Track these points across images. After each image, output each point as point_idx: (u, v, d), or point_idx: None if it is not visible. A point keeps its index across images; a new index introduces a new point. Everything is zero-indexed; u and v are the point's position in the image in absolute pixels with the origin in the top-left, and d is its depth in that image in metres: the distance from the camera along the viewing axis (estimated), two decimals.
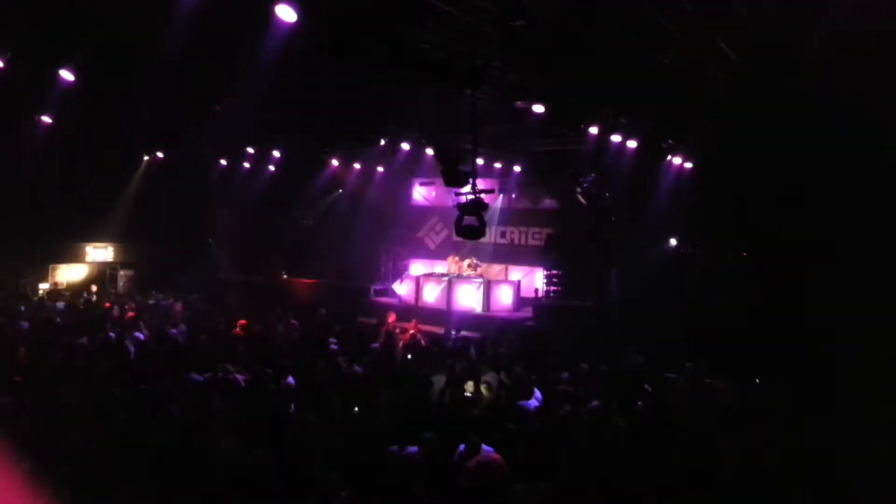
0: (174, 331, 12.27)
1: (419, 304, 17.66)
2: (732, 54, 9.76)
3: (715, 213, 14.39)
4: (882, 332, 10.90)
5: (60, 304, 15.52)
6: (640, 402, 8.72)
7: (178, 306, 15.43)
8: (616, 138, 13.71)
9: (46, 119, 14.68)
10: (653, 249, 15.97)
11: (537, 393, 8.83)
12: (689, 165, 15.39)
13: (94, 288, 18.40)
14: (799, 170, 12.40)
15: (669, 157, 15.13)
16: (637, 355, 11.55)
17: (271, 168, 20.26)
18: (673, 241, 16.21)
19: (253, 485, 6.07)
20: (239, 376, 8.96)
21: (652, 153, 14.66)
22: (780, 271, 13.27)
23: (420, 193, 21.77)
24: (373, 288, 19.15)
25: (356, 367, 9.80)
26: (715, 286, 14.07)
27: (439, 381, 9.44)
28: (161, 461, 6.38)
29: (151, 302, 16.43)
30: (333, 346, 11.34)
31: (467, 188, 11.19)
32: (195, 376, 8.82)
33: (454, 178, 10.92)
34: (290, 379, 8.82)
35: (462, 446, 6.85)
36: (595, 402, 8.22)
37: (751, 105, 11.14)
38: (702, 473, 6.62)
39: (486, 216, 11.43)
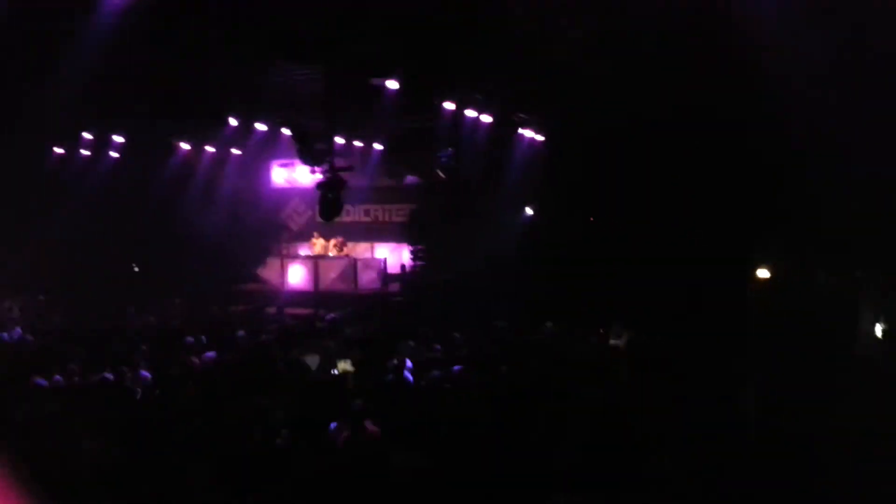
0: (5, 335, 11.28)
1: (285, 287, 17.34)
2: (576, 31, 10.31)
3: (564, 183, 15.20)
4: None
5: None
6: (503, 366, 9.20)
7: (12, 307, 14.15)
8: (471, 113, 14.08)
9: None
10: (510, 219, 16.62)
11: (409, 363, 9.05)
12: (540, 138, 16.11)
13: None
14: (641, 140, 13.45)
15: (521, 130, 15.75)
16: (500, 321, 12.13)
17: (113, 154, 18.86)
18: (529, 211, 16.95)
19: (116, 485, 5.80)
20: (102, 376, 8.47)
21: (505, 127, 15.21)
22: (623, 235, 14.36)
23: (281, 176, 21.19)
24: (237, 274, 18.51)
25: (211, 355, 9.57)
26: (566, 250, 14.92)
27: (313, 360, 9.43)
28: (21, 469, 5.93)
29: None
30: (190, 339, 10.90)
31: (325, 167, 11.10)
32: (39, 381, 8.21)
33: (311, 156, 10.78)
34: (145, 373, 8.45)
35: (334, 424, 6.91)
36: (457, 367, 8.57)
37: (595, 77, 11.85)
38: (562, 427, 7.11)
39: (348, 195, 11.44)
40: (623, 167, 13.94)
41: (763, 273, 13.31)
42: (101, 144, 18.24)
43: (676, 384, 8.19)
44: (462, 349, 10.27)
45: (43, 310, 14.54)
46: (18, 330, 11.71)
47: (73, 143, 18.26)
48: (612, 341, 11.22)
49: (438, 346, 10.54)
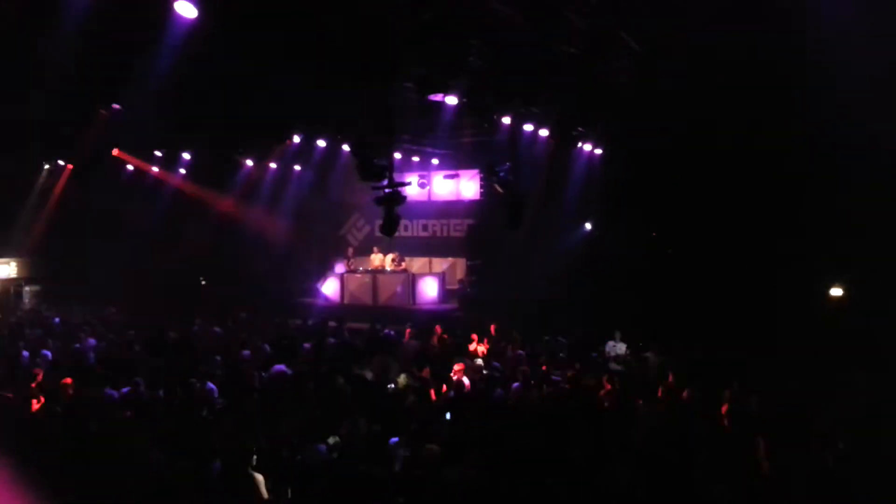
0: (77, 346, 11.76)
1: (344, 302, 17.56)
2: (634, 44, 10.17)
3: (624, 197, 14.95)
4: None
5: None
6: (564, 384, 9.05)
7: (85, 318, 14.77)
8: (528, 127, 14.02)
9: None
10: (569, 234, 16.43)
11: (466, 380, 9.02)
12: (598, 152, 15.91)
13: None
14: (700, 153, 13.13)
15: (580, 144, 15.59)
16: (560, 338, 11.97)
17: (182, 171, 19.60)
18: (588, 226, 16.72)
19: (180, 495, 5.95)
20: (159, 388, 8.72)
21: (563, 141, 15.08)
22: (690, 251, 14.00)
23: (342, 191, 21.54)
24: (298, 288, 18.88)
25: (282, 368, 9.70)
26: (628, 267, 14.64)
27: (370, 375, 9.52)
28: (84, 477, 6.16)
29: (56, 320, 15.49)
30: (246, 353, 11.12)
31: (384, 182, 11.20)
32: (109, 391, 8.51)
33: (370, 172, 10.89)
34: (211, 385, 8.65)
35: (394, 439, 6.92)
36: (516, 384, 8.48)
37: (653, 93, 11.66)
38: (622, 445, 6.92)
39: (404, 210, 11.52)
40: (686, 179, 13.63)
41: (836, 292, 12.77)
42: (171, 161, 18.99)
43: (744, 403, 7.87)
44: (521, 365, 10.16)
45: (114, 322, 15.10)
46: (92, 341, 12.16)
47: (146, 159, 19.08)
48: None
49: (497, 364, 10.47)
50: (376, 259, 18.20)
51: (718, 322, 11.91)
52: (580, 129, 14.90)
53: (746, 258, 12.95)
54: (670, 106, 11.87)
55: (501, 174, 14.12)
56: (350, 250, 19.41)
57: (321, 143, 16.66)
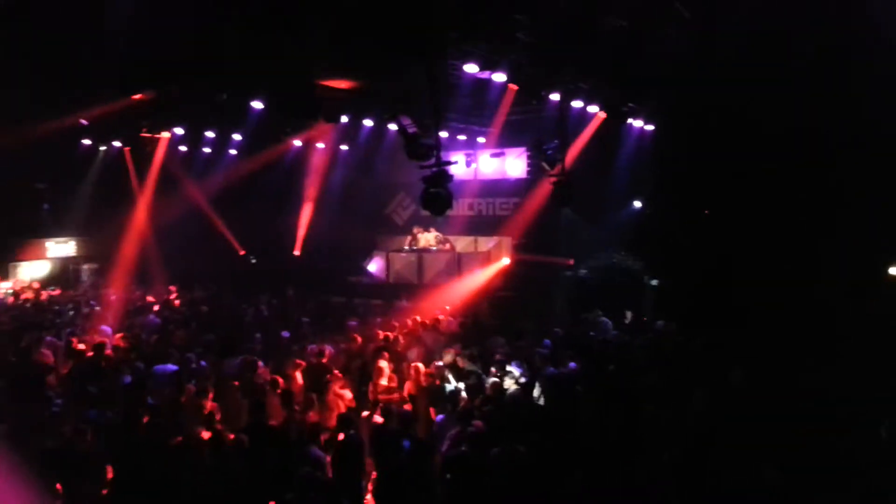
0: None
1: (391, 280, 17.70)
2: (686, 12, 9.84)
3: (676, 174, 14.58)
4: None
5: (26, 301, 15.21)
6: (611, 366, 8.93)
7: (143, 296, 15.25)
8: (577, 104, 13.76)
9: None
10: (618, 212, 16.16)
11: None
12: (650, 128, 15.53)
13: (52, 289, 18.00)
14: (756, 131, 12.66)
15: (631, 121, 15.24)
16: (602, 317, 11.84)
17: (232, 152, 19.94)
18: (637, 203, 16.40)
19: (233, 470, 6.11)
20: (203, 363, 8.95)
21: (613, 117, 14.77)
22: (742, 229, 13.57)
23: (388, 170, 21.61)
24: (344, 267, 19.09)
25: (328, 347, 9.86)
26: (679, 244, 14.30)
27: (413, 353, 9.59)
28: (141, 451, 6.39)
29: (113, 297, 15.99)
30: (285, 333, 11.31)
31: (431, 161, 11.15)
32: (169, 367, 8.77)
33: (417, 151, 10.87)
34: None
35: (440, 417, 6.97)
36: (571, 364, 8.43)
37: (708, 65, 11.29)
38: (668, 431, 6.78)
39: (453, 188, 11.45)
40: (739, 157, 13.19)
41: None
42: (223, 142, 19.31)
43: (796, 396, 7.53)
44: (568, 347, 10.06)
45: (170, 299, 15.54)
46: (152, 317, 12.55)
47: (197, 140, 19.44)
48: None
49: (548, 342, 10.38)
50: (422, 238, 18.25)
51: (769, 304, 11.52)
52: (631, 104, 14.55)
53: (801, 238, 12.47)
54: (724, 78, 11.47)
55: (549, 152, 13.93)
56: (394, 229, 19.50)
57: (368, 122, 16.71)
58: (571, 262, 16.31)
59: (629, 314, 12.35)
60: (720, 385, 8.03)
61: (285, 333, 11.25)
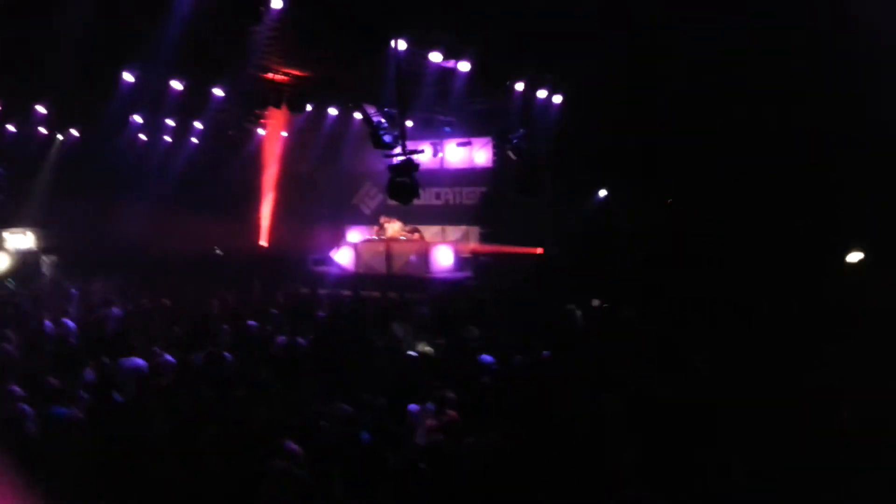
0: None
1: (359, 270, 17.63)
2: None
3: (638, 164, 14.79)
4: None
5: None
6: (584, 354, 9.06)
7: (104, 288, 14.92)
8: (542, 94, 13.87)
9: None
10: (583, 201, 16.34)
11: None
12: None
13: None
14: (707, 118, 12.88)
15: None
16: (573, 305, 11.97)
17: (194, 140, 19.58)
18: (602, 192, 16.60)
19: (203, 464, 6.04)
20: (169, 357, 8.81)
21: (579, 106, 14.89)
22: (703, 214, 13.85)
23: (353, 160, 21.46)
24: (310, 258, 18.96)
25: (299, 339, 9.78)
26: (643, 232, 14.53)
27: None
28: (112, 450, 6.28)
29: (74, 291, 15.60)
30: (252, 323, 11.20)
31: (397, 150, 11.16)
32: (135, 360, 8.61)
33: (381, 141, 10.85)
34: (227, 354, 8.77)
35: (414, 406, 6.99)
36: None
37: (670, 55, 11.46)
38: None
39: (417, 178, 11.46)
40: (697, 142, 13.40)
41: (854, 257, 12.58)
42: (182, 132, 18.97)
43: (759, 382, 7.71)
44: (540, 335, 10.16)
45: (132, 291, 15.22)
46: (116, 310, 12.27)
47: (156, 130, 19.05)
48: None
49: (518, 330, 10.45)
50: (390, 228, 18.22)
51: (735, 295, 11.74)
52: (597, 94, 14.68)
53: (765, 224, 12.76)
54: (689, 70, 11.66)
55: (515, 141, 14.03)
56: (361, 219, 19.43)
57: (332, 111, 16.58)
58: (541, 250, 16.46)
59: (596, 301, 12.51)
60: (687, 371, 8.21)
61: (252, 323, 11.14)
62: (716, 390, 7.47)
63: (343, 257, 18.45)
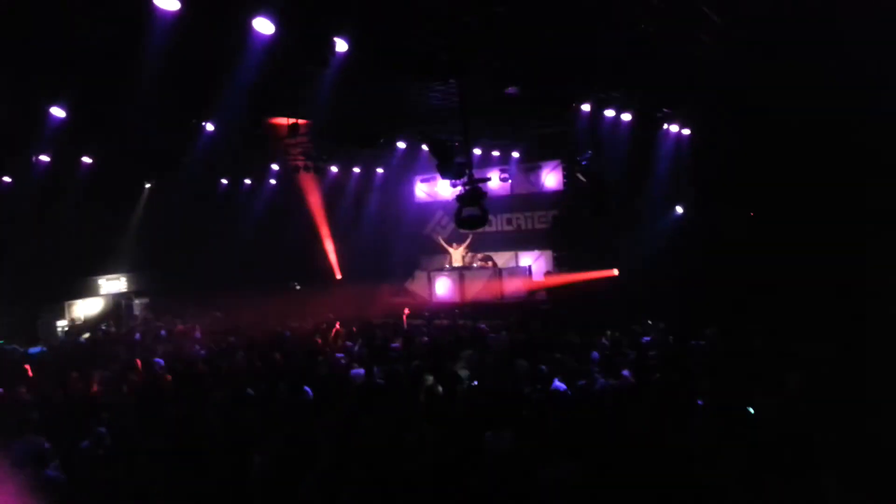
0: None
1: (433, 299, 17.71)
2: (716, 17, 9.67)
3: (717, 178, 14.29)
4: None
5: (83, 338, 15.69)
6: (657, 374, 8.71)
7: (194, 329, 15.52)
8: (610, 113, 13.65)
9: (44, 157, 14.75)
10: (659, 219, 15.89)
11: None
12: (686, 132, 15.29)
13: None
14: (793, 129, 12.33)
15: (666, 126, 15.03)
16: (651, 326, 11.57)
17: (272, 182, 20.37)
18: (679, 209, 16.11)
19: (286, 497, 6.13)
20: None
21: (647, 124, 14.58)
22: (786, 231, 13.19)
23: (423, 190, 21.76)
24: (386, 288, 19.21)
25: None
26: (723, 250, 13.95)
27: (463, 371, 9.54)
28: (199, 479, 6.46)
29: (163, 332, 16.28)
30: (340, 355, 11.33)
31: (464, 179, 11.20)
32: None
33: (449, 170, 10.92)
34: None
35: (489, 434, 6.88)
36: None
37: (740, 67, 11.06)
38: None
39: (489, 205, 11.46)
40: (781, 156, 12.85)
41: None
42: (262, 173, 19.76)
43: (856, 402, 7.18)
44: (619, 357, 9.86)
45: (219, 327, 15.79)
46: (200, 350, 12.75)
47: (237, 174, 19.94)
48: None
49: (596, 354, 10.17)
50: (462, 255, 18.28)
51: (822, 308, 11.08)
52: (665, 109, 14.36)
53: (845, 241, 12.01)
54: (757, 78, 11.22)
55: (584, 162, 13.85)
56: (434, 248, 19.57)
57: (401, 144, 16.86)
58: (616, 272, 16.07)
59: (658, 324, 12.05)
60: (777, 390, 7.75)
61: (340, 355, 11.27)
62: (811, 412, 7.01)
63: (418, 286, 18.60)
